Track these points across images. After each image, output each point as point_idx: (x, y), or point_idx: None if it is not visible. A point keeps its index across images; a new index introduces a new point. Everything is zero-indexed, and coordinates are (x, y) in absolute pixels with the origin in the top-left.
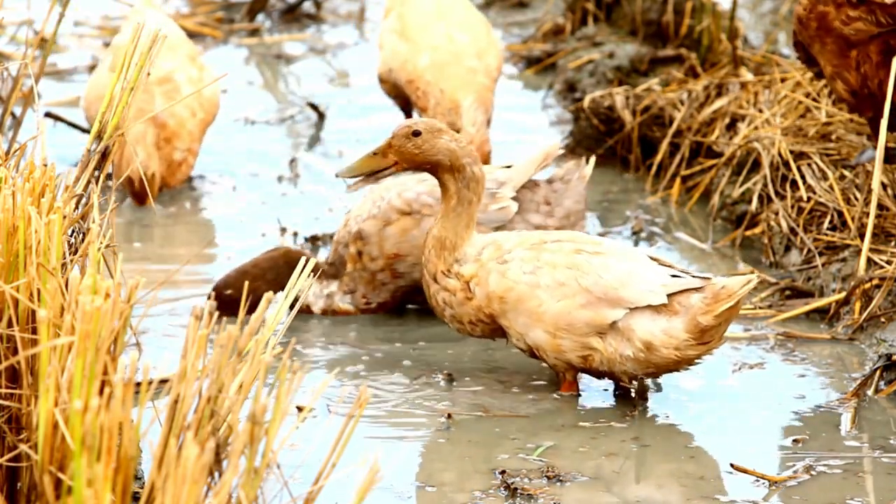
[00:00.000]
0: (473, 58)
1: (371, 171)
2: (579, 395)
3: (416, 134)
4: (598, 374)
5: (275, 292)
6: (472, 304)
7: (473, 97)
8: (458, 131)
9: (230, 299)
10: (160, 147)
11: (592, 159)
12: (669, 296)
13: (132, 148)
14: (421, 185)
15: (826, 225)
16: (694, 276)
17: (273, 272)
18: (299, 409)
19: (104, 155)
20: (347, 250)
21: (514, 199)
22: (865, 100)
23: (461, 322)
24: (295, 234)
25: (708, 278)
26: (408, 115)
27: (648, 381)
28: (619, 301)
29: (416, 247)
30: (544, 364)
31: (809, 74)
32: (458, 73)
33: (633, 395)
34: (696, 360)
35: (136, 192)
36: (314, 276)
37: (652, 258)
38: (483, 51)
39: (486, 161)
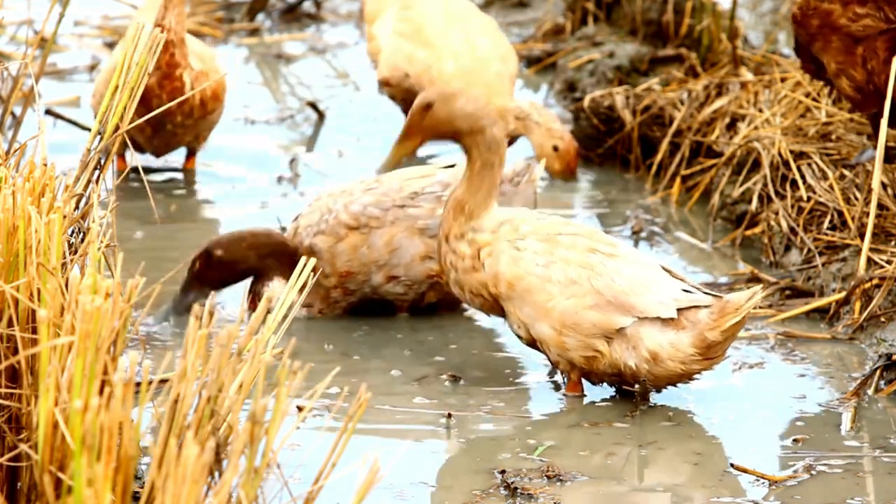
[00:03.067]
0: (499, 62)
1: (405, 155)
2: (584, 396)
3: (429, 106)
4: (599, 379)
5: (257, 275)
6: (477, 277)
7: (528, 102)
8: (513, 139)
9: (218, 262)
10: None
11: (542, 162)
12: (679, 311)
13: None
14: (367, 196)
15: (826, 225)
16: (706, 293)
17: (266, 248)
18: (299, 408)
19: (106, 154)
20: None
21: None
22: (870, 96)
23: (461, 289)
24: None
25: (719, 296)
26: None
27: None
28: (628, 308)
29: (366, 264)
30: (545, 357)
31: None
32: (487, 79)
33: (635, 394)
34: (696, 376)
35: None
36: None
37: (664, 269)
38: (505, 56)
39: (577, 157)
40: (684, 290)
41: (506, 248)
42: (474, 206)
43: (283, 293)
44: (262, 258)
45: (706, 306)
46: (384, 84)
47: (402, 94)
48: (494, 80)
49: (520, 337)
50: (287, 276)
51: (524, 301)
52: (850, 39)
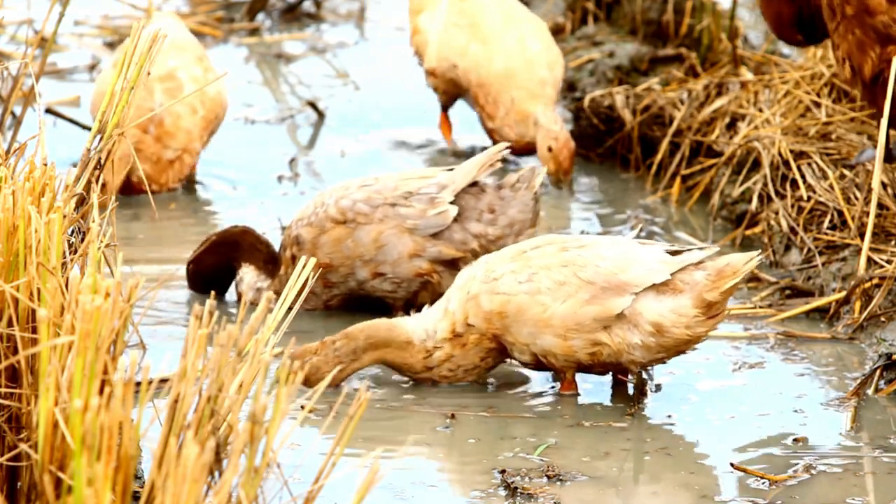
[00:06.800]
0: (545, 68)
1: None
2: (578, 395)
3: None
4: (602, 370)
5: (235, 269)
6: (471, 343)
7: (542, 107)
8: (529, 142)
9: (190, 271)
10: (144, 147)
11: (543, 170)
12: (671, 273)
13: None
14: (360, 192)
15: (826, 224)
16: (691, 249)
17: (235, 248)
18: (301, 407)
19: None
20: (284, 253)
21: (457, 203)
22: (868, 88)
23: (474, 368)
24: None
25: (704, 247)
26: (445, 111)
27: (647, 379)
28: (623, 287)
29: (349, 258)
30: (550, 371)
31: (809, 74)
32: (530, 83)
33: (630, 391)
34: (703, 338)
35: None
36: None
37: (639, 242)
38: (553, 62)
39: (571, 158)
40: (669, 253)
41: (480, 289)
42: (405, 335)
43: (284, 292)
44: (226, 254)
45: (698, 263)
46: (430, 74)
47: (445, 84)
48: (536, 86)
49: (526, 364)
50: (251, 261)
51: (520, 322)
52: (874, 37)
